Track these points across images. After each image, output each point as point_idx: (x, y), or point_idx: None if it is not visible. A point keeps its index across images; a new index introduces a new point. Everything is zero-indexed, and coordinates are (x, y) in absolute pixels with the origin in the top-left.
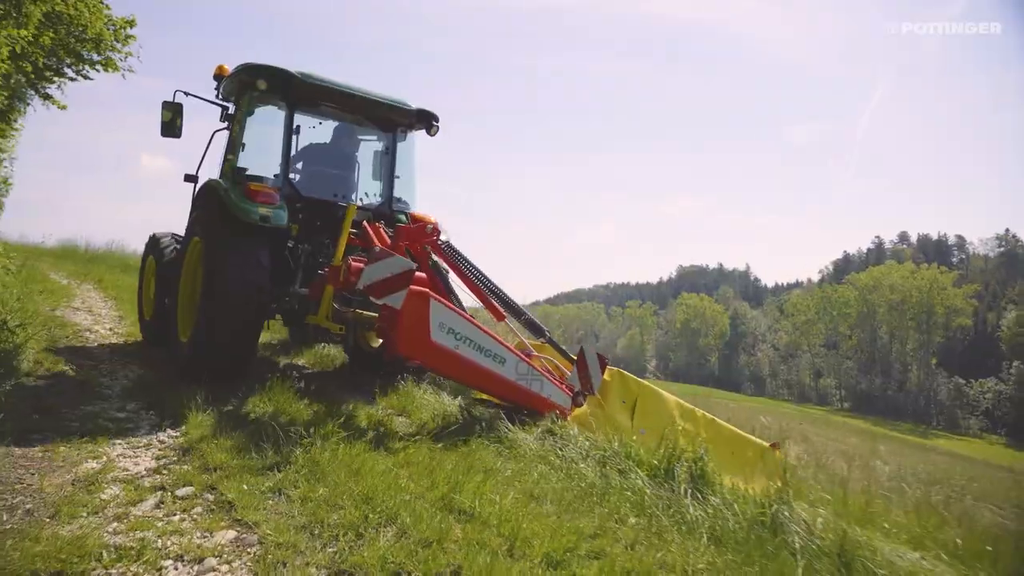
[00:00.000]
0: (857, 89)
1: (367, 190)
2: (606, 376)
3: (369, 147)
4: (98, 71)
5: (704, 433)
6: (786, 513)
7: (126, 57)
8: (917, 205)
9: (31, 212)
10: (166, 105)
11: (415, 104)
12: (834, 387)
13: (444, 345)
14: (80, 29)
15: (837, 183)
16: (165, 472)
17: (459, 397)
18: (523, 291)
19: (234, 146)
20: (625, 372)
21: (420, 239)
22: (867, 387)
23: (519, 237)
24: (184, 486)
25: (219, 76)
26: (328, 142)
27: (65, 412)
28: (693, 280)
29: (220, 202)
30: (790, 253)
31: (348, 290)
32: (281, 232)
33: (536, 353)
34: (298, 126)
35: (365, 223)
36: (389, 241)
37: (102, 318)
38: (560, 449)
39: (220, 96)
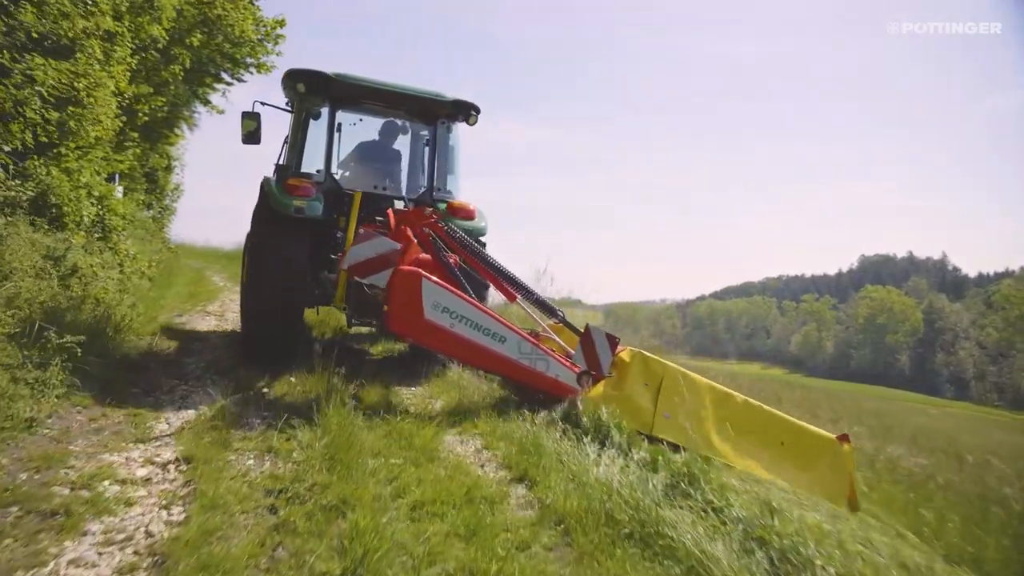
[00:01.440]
0: None
1: (411, 181)
2: (626, 357)
3: (417, 140)
4: (251, 73)
5: (745, 421)
6: None
7: (274, 56)
8: None
9: (216, 217)
10: (247, 115)
11: (451, 95)
12: None
13: (439, 323)
14: (229, 29)
15: None
16: None
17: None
18: (685, 285)
19: (289, 146)
20: (648, 353)
21: (420, 222)
22: None
23: (681, 226)
24: None
25: None
26: (376, 138)
27: (73, 465)
28: (878, 270)
29: (266, 197)
30: (997, 239)
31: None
32: (326, 223)
33: (550, 334)
34: (340, 123)
35: (389, 210)
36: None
37: (227, 322)
38: None
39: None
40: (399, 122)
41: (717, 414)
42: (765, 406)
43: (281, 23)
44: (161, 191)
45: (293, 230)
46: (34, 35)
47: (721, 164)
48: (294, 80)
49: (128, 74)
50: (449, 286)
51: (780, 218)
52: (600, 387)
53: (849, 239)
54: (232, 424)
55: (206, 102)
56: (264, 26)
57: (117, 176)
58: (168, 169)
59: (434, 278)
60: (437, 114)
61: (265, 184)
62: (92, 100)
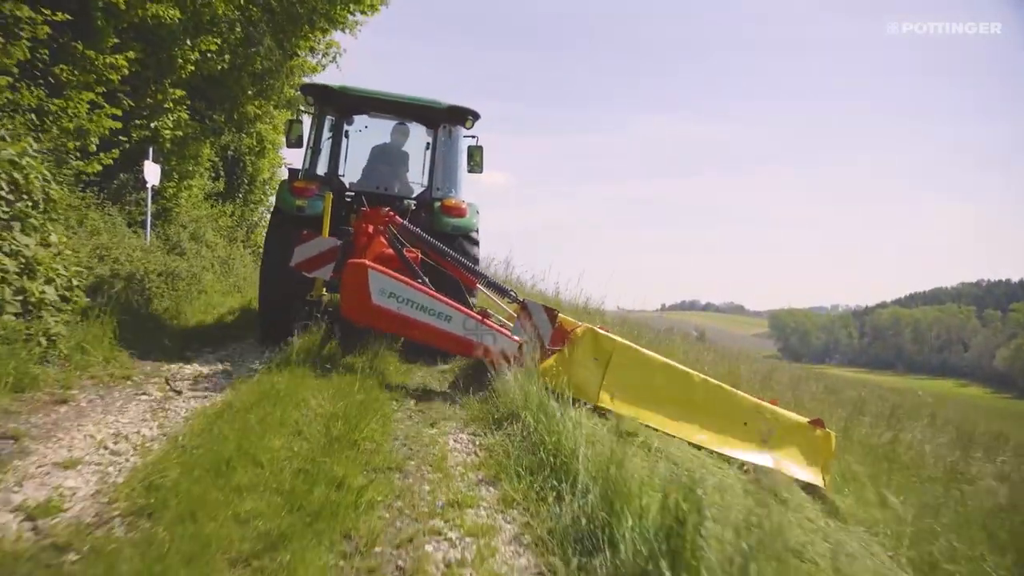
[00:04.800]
0: None
1: (413, 181)
2: (579, 332)
3: (420, 144)
4: (354, 15)
5: (701, 400)
6: None
7: None
8: None
9: None
10: (291, 122)
11: (448, 102)
12: None
13: (387, 307)
14: None
15: None
16: None
17: None
18: (859, 291)
19: (306, 150)
20: (600, 330)
21: (377, 220)
22: None
23: (850, 227)
24: None
25: None
26: (388, 142)
27: None
28: None
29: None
30: None
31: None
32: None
33: (512, 314)
34: (347, 130)
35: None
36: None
37: None
38: None
39: None
40: (408, 126)
41: (668, 391)
42: (729, 387)
43: None
44: (251, 180)
45: (297, 227)
46: None
47: (897, 154)
48: (304, 93)
49: None
50: (395, 274)
51: (974, 212)
52: (551, 360)
53: None
54: None
55: (294, 56)
56: None
57: (150, 150)
58: (260, 153)
59: (380, 267)
60: (437, 120)
61: (279, 186)
62: None
